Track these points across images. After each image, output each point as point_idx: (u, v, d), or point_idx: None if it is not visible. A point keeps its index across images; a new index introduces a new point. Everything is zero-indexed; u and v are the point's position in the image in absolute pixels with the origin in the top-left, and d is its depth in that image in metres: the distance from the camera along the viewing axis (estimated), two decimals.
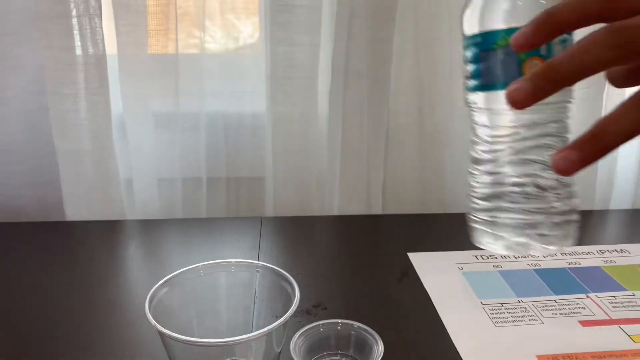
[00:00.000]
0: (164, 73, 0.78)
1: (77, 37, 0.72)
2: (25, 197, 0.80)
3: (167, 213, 0.83)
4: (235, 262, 0.48)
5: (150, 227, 0.76)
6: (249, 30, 0.84)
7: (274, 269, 0.47)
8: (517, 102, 0.29)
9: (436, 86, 0.80)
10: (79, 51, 0.73)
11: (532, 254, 0.40)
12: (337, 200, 0.82)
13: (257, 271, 0.48)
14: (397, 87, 0.80)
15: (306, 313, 0.55)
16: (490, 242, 0.38)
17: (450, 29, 0.78)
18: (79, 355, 0.49)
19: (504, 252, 0.38)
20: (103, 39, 0.73)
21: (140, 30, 0.75)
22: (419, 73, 0.80)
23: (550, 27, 0.29)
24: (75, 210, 0.79)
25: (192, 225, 0.77)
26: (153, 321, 0.40)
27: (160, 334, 0.40)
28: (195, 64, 0.80)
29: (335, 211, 0.83)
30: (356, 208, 0.82)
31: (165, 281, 0.45)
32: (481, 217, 0.38)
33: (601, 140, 0.29)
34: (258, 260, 0.53)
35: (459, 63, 0.77)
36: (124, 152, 0.81)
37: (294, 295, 0.43)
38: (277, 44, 0.77)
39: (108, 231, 0.75)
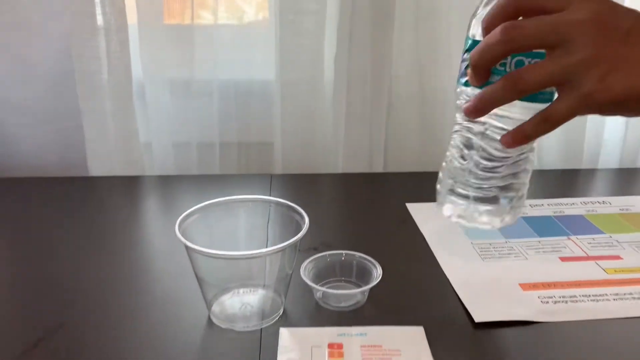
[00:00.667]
0: (180, 42, 0.84)
1: (99, 6, 0.78)
2: (50, 156, 0.86)
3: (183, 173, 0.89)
4: (251, 197, 0.54)
5: (167, 182, 0.82)
6: (259, 1, 0.90)
7: (285, 203, 0.53)
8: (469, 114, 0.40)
9: (435, 53, 0.86)
10: (100, 19, 0.79)
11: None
12: (342, 160, 0.88)
13: (270, 205, 0.54)
14: (398, 54, 0.86)
15: (313, 250, 0.61)
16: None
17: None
18: (101, 296, 0.56)
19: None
20: (124, 8, 0.79)
21: (158, 2, 0.81)
22: (419, 41, 0.86)
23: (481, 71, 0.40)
24: (98, 168, 0.85)
25: (206, 180, 0.83)
26: (182, 238, 0.46)
27: (187, 248, 0.46)
28: (209, 34, 0.86)
29: (340, 170, 0.89)
30: (359, 167, 0.88)
31: (193, 210, 0.51)
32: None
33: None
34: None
35: (457, 30, 0.83)
36: (143, 116, 0.87)
37: (304, 223, 0.49)
38: (286, 13, 0.82)
39: (128, 186, 0.81)
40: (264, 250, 0.46)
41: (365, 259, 0.55)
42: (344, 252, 0.56)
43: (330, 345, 0.46)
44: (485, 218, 0.46)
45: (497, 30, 0.37)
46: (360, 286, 0.53)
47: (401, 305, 0.53)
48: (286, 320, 0.50)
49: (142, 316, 0.51)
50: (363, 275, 0.54)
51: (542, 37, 0.37)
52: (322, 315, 0.51)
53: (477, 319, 0.50)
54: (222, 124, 0.90)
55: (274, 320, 0.50)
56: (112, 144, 0.84)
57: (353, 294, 0.53)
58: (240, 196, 0.54)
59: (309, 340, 0.47)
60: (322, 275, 0.54)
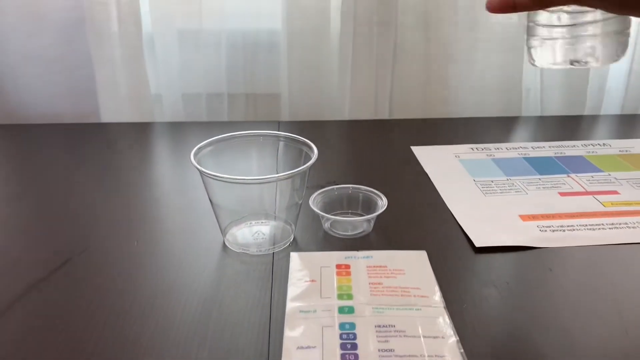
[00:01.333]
0: None
1: None
2: (64, 105, 0.88)
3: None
4: (262, 132, 0.56)
5: (177, 128, 0.85)
6: None
7: (294, 137, 0.55)
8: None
9: (441, 4, 0.86)
10: None
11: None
12: (348, 108, 0.90)
13: (280, 140, 0.56)
14: (404, 4, 0.86)
15: (321, 187, 0.63)
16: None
17: None
18: (119, 227, 0.59)
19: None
20: None
21: None
22: None
23: None
24: (110, 116, 0.87)
25: (215, 127, 0.85)
26: (197, 165, 0.48)
27: (202, 175, 0.48)
28: None
29: (347, 117, 0.91)
30: (365, 115, 0.90)
31: (206, 143, 0.53)
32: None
33: None
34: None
35: None
36: (153, 68, 0.88)
37: (313, 154, 0.52)
38: None
39: (140, 131, 0.84)
40: (274, 175, 0.48)
41: (371, 191, 0.57)
42: (350, 186, 0.58)
43: (338, 266, 0.49)
44: (589, 42, 0.43)
45: None
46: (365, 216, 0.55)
47: (405, 234, 0.55)
48: (296, 246, 0.53)
49: (159, 243, 0.54)
50: (369, 206, 0.57)
51: None
52: (330, 243, 0.54)
53: (477, 244, 0.52)
54: (230, 75, 0.91)
55: (285, 246, 0.53)
56: (123, 92, 0.86)
57: (360, 222, 0.55)
58: (251, 131, 0.56)
59: (318, 262, 0.49)
60: (330, 207, 0.57)
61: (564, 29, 0.43)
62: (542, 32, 0.44)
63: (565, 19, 0.43)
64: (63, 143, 0.78)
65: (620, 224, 0.56)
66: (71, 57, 0.86)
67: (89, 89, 0.87)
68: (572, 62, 0.44)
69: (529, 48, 0.45)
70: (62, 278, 0.48)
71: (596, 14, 0.42)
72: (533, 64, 0.46)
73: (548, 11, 0.43)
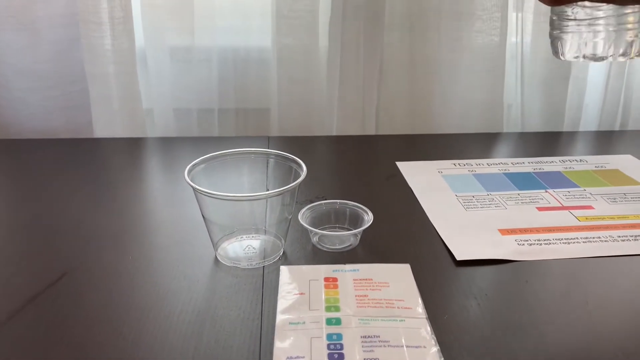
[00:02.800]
0: (180, 10, 0.88)
1: None
2: (57, 120, 0.89)
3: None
4: (253, 150, 0.58)
5: (169, 143, 0.87)
6: None
7: (284, 154, 0.57)
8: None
9: (426, 21, 0.90)
10: None
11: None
12: (336, 123, 0.93)
13: (270, 157, 0.58)
14: (390, 22, 0.90)
15: (310, 202, 0.66)
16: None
17: None
18: (110, 243, 0.60)
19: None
20: None
21: None
22: (411, 10, 0.89)
23: None
24: (103, 131, 0.89)
25: (206, 142, 0.87)
26: (190, 182, 0.50)
27: (196, 191, 0.50)
28: (209, 2, 0.89)
29: (334, 132, 0.93)
30: (352, 130, 0.93)
31: (199, 160, 0.55)
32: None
33: None
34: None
35: (447, 0, 0.87)
36: (145, 82, 0.90)
37: (302, 171, 0.54)
38: None
39: (132, 146, 0.85)
40: (265, 192, 0.50)
41: (358, 206, 0.60)
42: (338, 201, 0.61)
43: (326, 279, 0.51)
44: (602, 35, 0.45)
45: None
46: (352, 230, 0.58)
47: (390, 247, 0.58)
48: (286, 260, 0.55)
49: (153, 257, 0.56)
50: (356, 221, 0.59)
51: None
52: (318, 257, 0.56)
53: (458, 258, 0.55)
54: (221, 90, 0.94)
55: (275, 259, 0.55)
56: (116, 107, 0.88)
57: (347, 236, 0.58)
58: (242, 149, 0.58)
59: (307, 275, 0.52)
60: (318, 222, 0.59)
61: (600, 21, 0.44)
62: (572, 25, 0.46)
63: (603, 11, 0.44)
64: (56, 158, 0.80)
65: (593, 237, 0.59)
66: (65, 72, 0.88)
67: (82, 103, 0.88)
68: (602, 57, 0.46)
69: (556, 39, 0.47)
70: (58, 293, 0.50)
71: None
72: (560, 57, 0.47)
73: (587, 5, 0.44)
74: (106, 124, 0.89)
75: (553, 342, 0.45)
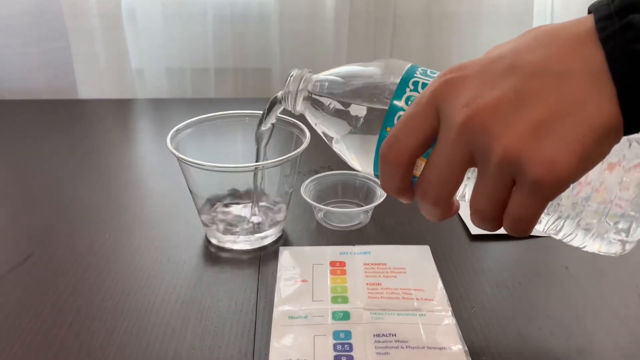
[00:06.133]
0: None
1: None
2: (37, 79, 0.82)
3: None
4: (248, 112, 0.50)
5: (160, 105, 0.79)
6: None
7: (285, 118, 0.49)
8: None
9: None
10: None
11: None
12: None
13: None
14: None
15: (314, 173, 0.58)
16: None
17: None
18: (94, 211, 0.53)
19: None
20: None
21: None
22: None
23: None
24: (88, 92, 0.81)
25: (200, 104, 0.79)
26: (173, 150, 0.43)
27: (179, 159, 0.43)
28: None
29: None
30: None
31: (186, 124, 0.47)
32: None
33: None
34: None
35: None
36: (134, 41, 0.82)
37: (305, 136, 0.46)
38: None
39: (120, 108, 0.78)
40: (260, 163, 0.43)
41: (368, 179, 0.52)
42: (346, 172, 0.53)
43: (332, 264, 0.44)
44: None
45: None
46: (363, 206, 0.50)
47: (406, 227, 0.50)
48: (286, 240, 0.48)
49: (134, 234, 0.49)
50: (367, 195, 0.52)
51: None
52: (324, 236, 0.49)
53: (473, 232, 0.48)
54: (217, 48, 0.85)
55: (273, 240, 0.48)
56: (102, 66, 0.80)
57: (356, 213, 0.50)
58: (236, 111, 0.50)
59: (310, 258, 0.45)
60: (323, 195, 0.52)
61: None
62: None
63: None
64: (36, 121, 0.73)
65: None
66: (44, 28, 0.79)
67: (64, 62, 0.80)
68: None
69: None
70: (20, 277, 0.43)
71: None
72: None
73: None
74: (91, 85, 0.81)
75: (600, 342, 0.38)
